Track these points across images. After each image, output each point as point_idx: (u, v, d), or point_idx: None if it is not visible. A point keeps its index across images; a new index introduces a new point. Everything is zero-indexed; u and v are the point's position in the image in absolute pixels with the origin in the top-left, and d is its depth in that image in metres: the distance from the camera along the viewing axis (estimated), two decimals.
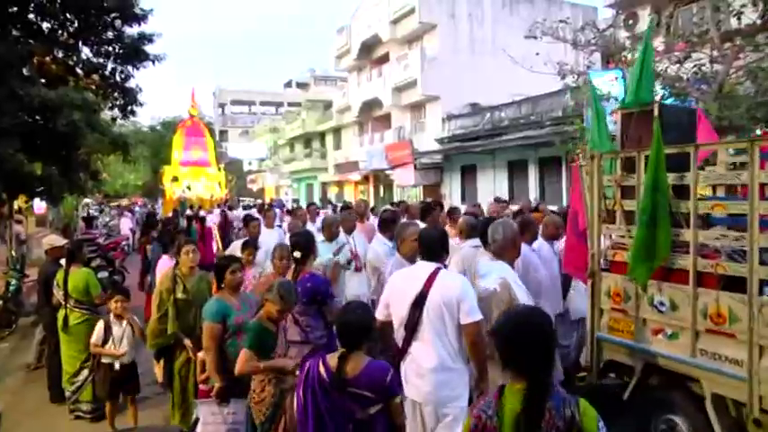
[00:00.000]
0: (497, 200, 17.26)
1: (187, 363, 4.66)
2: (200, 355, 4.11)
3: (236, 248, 6.40)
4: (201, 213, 17.35)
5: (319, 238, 5.96)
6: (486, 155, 21.35)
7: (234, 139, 57.13)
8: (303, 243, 4.23)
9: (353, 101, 31.16)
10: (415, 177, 24.56)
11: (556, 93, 17.81)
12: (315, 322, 3.80)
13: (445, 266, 3.59)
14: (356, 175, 31.86)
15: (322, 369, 2.76)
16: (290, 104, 58.70)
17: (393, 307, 3.46)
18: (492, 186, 21.31)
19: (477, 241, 4.86)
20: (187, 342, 4.58)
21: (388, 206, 13.57)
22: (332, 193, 36.44)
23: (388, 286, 3.60)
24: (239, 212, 18.81)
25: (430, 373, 3.27)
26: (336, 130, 36.39)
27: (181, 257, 4.84)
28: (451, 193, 23.79)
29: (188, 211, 16.80)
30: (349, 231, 6.44)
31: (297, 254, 4.15)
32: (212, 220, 16.59)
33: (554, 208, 10.01)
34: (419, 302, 3.30)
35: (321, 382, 2.75)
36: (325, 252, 5.65)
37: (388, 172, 28.05)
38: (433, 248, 3.48)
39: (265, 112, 63.66)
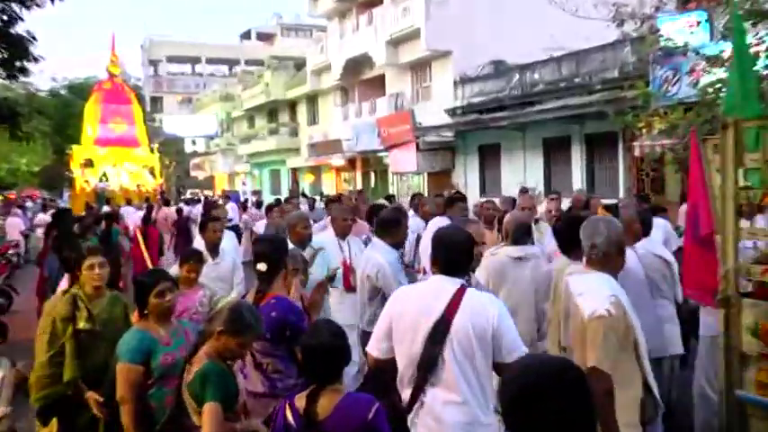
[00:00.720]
0: (524, 190, 17.27)
1: (92, 424, 4.45)
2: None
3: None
4: (129, 209, 17.17)
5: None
6: (514, 131, 21.23)
7: (171, 110, 56.95)
8: (270, 251, 4.10)
9: (334, 58, 31.04)
10: (417, 162, 24.48)
11: (610, 46, 17.64)
12: (284, 366, 3.84)
13: (468, 284, 3.60)
14: (338, 159, 31.77)
15: (289, 414, 2.89)
16: (248, 63, 58.54)
17: (398, 339, 3.44)
18: (521, 173, 21.23)
19: (531, 248, 5.29)
20: (91, 395, 4.37)
21: (383, 201, 13.43)
22: (305, 182, 36.38)
23: (388, 311, 3.56)
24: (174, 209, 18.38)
25: (455, 429, 3.28)
26: (311, 98, 36.29)
27: (83, 273, 4.69)
28: (466, 183, 23.72)
29: (105, 208, 16.60)
30: (343, 234, 6.40)
31: (261, 267, 4.07)
32: (134, 219, 16.39)
33: (609, 202, 9.84)
34: (439, 334, 3.28)
35: (288, 430, 2.85)
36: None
37: (381, 154, 27.89)
38: (456, 258, 3.48)
39: (215, 73, 63.48)
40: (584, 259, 3.82)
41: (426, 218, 8.05)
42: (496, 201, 9.58)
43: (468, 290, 3.37)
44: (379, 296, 5.24)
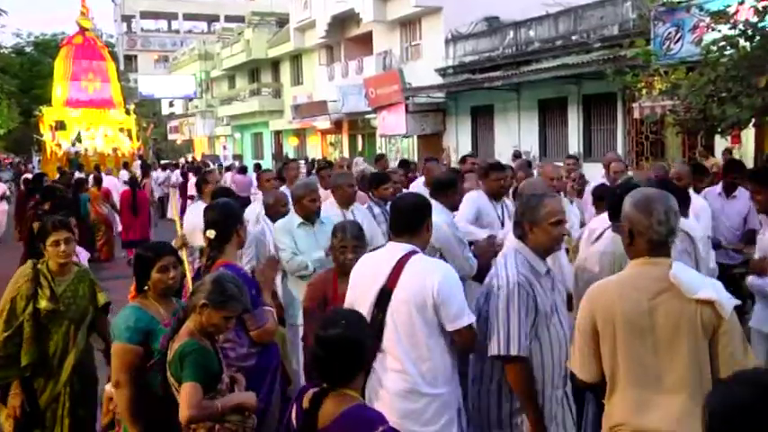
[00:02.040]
0: (518, 154, 17.27)
1: (55, 400, 4.48)
2: (108, 388, 3.89)
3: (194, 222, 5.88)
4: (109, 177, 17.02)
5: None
6: (508, 92, 21.19)
7: (147, 70, 56.32)
8: (219, 218, 4.09)
9: (318, 14, 30.76)
10: (406, 124, 24.41)
11: (609, 1, 17.55)
12: (235, 334, 3.83)
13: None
14: (324, 122, 31.64)
15: (293, 413, 2.76)
16: (228, 19, 57.85)
17: (356, 305, 3.54)
18: (515, 136, 21.25)
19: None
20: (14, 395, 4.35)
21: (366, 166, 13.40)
22: (289, 145, 36.24)
23: (351, 278, 3.75)
24: (158, 175, 18.28)
25: (394, 398, 3.40)
26: (295, 57, 36.01)
27: (47, 249, 4.51)
28: (458, 146, 23.71)
29: (78, 173, 16.45)
30: (347, 203, 6.20)
31: (209, 234, 4.06)
32: (116, 185, 16.32)
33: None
34: (382, 301, 3.42)
35: (290, 431, 2.76)
36: (310, 243, 5.46)
37: (368, 116, 27.78)
38: (407, 220, 3.58)
39: (192, 30, 62.69)
40: (638, 245, 2.94)
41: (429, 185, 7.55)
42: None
43: (413, 257, 3.43)
44: (436, 257, 5.16)
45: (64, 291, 4.51)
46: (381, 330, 3.41)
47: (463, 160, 9.68)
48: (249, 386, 3.72)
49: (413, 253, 3.46)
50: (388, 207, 6.38)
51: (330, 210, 6.06)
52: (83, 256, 5.57)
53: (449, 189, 5.49)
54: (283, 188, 7.94)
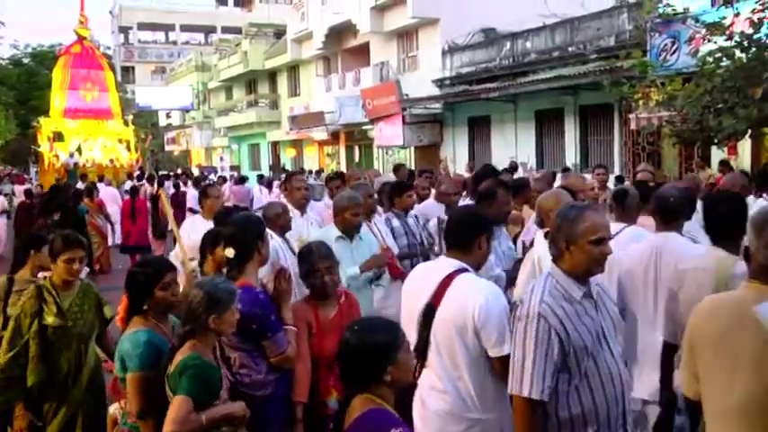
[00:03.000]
0: (514, 165, 17.23)
1: (70, 424, 4.31)
2: (112, 410, 3.84)
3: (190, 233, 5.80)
4: (104, 187, 16.99)
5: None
6: (505, 103, 21.21)
7: (144, 81, 56.37)
8: (239, 234, 3.85)
9: (316, 26, 30.77)
10: (403, 135, 24.40)
11: (606, 12, 17.58)
12: (252, 361, 3.67)
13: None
14: (321, 132, 31.59)
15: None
16: (225, 30, 57.91)
17: (406, 317, 3.50)
18: (512, 147, 21.22)
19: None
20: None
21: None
22: (287, 156, 36.22)
23: (403, 290, 3.71)
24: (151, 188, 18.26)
25: (434, 418, 3.30)
26: (292, 68, 36.02)
27: (57, 264, 4.32)
28: (455, 157, 23.69)
29: (79, 184, 16.44)
30: (368, 215, 5.92)
31: (228, 252, 3.80)
32: (115, 196, 16.33)
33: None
34: (426, 319, 3.32)
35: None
36: (346, 258, 5.05)
37: (365, 127, 27.78)
38: (458, 235, 3.46)
39: (190, 41, 62.75)
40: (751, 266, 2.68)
41: (443, 200, 7.13)
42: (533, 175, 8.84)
43: (460, 275, 3.29)
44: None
45: (70, 306, 4.35)
46: (426, 347, 3.31)
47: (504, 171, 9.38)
48: (266, 415, 3.60)
49: (461, 271, 3.32)
50: (408, 219, 6.38)
51: (332, 227, 5.75)
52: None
53: (492, 201, 5.07)
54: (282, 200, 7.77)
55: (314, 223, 6.53)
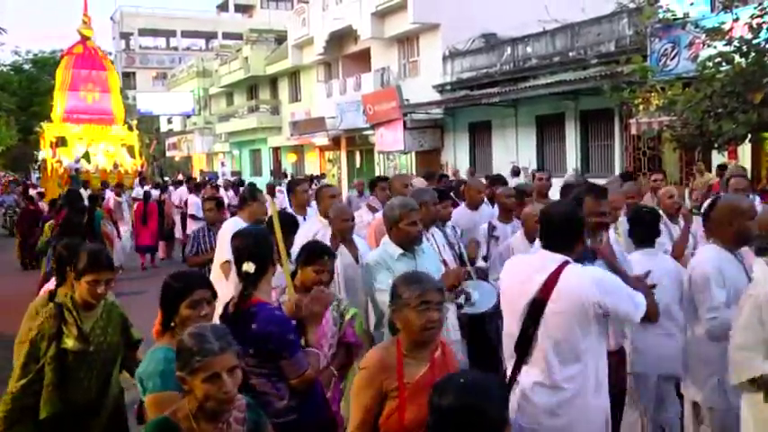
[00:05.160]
0: (516, 170, 17.23)
1: None
2: None
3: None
4: (107, 193, 16.99)
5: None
6: (506, 108, 21.25)
7: (145, 87, 56.44)
8: (256, 248, 3.47)
9: (316, 31, 30.82)
10: (404, 140, 24.43)
11: (606, 18, 17.63)
12: (272, 387, 3.36)
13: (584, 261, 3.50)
14: (322, 138, 31.65)
15: None
16: (226, 36, 58.00)
17: (506, 312, 3.51)
18: (513, 152, 21.26)
19: None
20: None
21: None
22: (288, 162, 36.21)
23: (501, 285, 3.68)
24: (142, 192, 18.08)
25: (542, 411, 3.30)
26: (293, 74, 36.06)
27: (82, 284, 3.80)
28: (456, 162, 23.71)
29: (84, 191, 16.41)
30: (427, 224, 5.19)
31: (248, 268, 3.42)
32: (119, 202, 16.31)
33: (603, 181, 9.88)
34: (533, 314, 3.31)
35: None
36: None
37: (366, 133, 27.81)
38: (559, 234, 3.44)
39: (191, 47, 62.84)
40: None
41: (474, 204, 6.90)
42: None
43: (567, 268, 3.30)
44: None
45: (92, 328, 3.84)
46: (530, 342, 3.31)
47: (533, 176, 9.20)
48: None
49: (566, 263, 3.33)
50: (447, 229, 5.85)
51: (386, 243, 4.93)
52: None
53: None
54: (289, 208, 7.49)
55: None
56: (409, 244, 4.49)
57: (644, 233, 4.79)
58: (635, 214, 4.97)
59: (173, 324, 3.22)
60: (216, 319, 3.67)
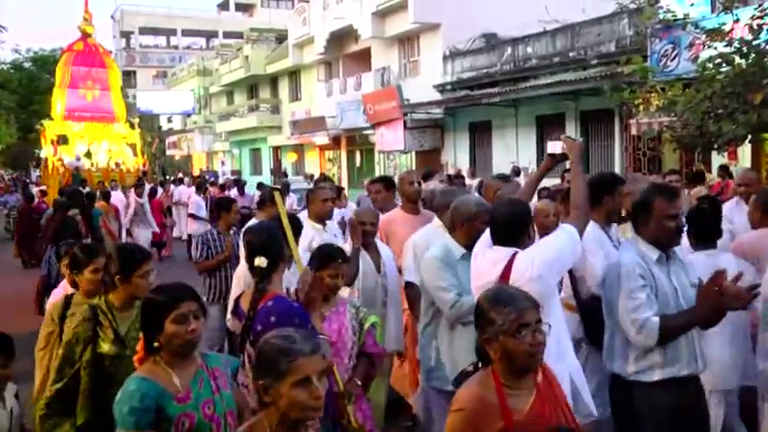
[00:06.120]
0: (517, 170, 17.22)
1: None
2: None
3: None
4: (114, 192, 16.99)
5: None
6: (506, 108, 21.29)
7: (145, 85, 56.45)
8: (269, 242, 3.51)
9: (317, 31, 30.84)
10: (405, 140, 24.46)
11: (607, 18, 17.66)
12: None
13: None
14: (322, 137, 31.68)
15: None
16: (226, 35, 58.02)
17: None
18: (513, 152, 21.31)
19: None
20: None
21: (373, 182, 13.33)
22: (288, 161, 36.25)
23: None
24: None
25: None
26: (293, 73, 36.10)
27: (131, 280, 3.63)
28: (456, 162, 23.73)
29: (84, 188, 16.41)
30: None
31: (260, 262, 3.43)
32: (122, 200, 16.31)
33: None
34: None
35: None
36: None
37: (366, 132, 27.83)
38: (508, 229, 3.63)
39: (191, 46, 62.89)
40: None
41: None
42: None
43: (516, 257, 3.50)
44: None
45: (128, 330, 3.63)
46: None
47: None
48: None
49: (515, 254, 3.53)
50: None
51: (448, 241, 4.39)
52: None
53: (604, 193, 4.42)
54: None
55: (338, 236, 5.85)
56: (473, 244, 3.99)
57: (705, 232, 4.38)
58: (696, 211, 4.51)
59: (156, 345, 2.87)
60: (229, 315, 3.77)
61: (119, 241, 14.25)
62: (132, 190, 16.56)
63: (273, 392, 2.30)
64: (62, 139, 23.04)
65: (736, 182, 6.61)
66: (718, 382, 4.09)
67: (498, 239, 3.63)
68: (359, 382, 3.95)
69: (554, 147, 4.19)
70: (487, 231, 3.77)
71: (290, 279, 3.95)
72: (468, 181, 15.13)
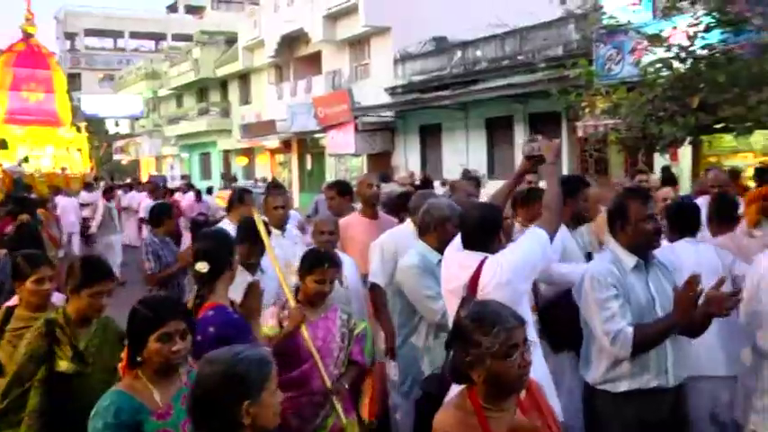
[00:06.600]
0: (467, 175, 17.30)
1: None
2: None
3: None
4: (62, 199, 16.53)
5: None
6: (456, 110, 21.50)
7: (91, 88, 55.32)
8: (214, 248, 3.46)
9: (268, 34, 30.74)
10: (356, 143, 24.52)
11: (554, 23, 17.96)
12: None
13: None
14: (273, 141, 31.58)
15: None
16: (175, 37, 57.31)
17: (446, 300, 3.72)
18: (464, 154, 21.48)
19: None
20: None
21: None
22: (238, 165, 36.00)
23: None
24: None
25: None
26: (244, 76, 35.90)
27: (80, 297, 3.43)
28: (407, 165, 23.79)
29: (29, 194, 15.96)
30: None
31: (201, 267, 3.36)
32: (75, 205, 15.89)
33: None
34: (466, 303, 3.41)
35: None
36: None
37: (317, 136, 27.81)
38: (477, 233, 3.63)
39: (139, 48, 61.86)
40: None
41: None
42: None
43: (485, 262, 3.48)
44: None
45: (87, 346, 3.41)
46: None
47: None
48: None
49: (485, 259, 3.51)
50: None
51: (421, 247, 4.32)
52: (57, 297, 4.21)
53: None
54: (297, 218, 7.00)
55: (298, 243, 5.53)
56: (445, 248, 3.90)
57: (686, 225, 4.50)
58: (677, 207, 4.78)
59: (139, 359, 2.73)
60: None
61: (62, 248, 13.93)
62: (100, 194, 15.98)
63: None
64: (2, 144, 22.38)
65: (708, 183, 6.78)
66: (704, 367, 4.04)
67: (468, 243, 3.62)
68: (346, 385, 3.87)
69: (530, 148, 4.05)
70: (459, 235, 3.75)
71: (267, 283, 3.92)
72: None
